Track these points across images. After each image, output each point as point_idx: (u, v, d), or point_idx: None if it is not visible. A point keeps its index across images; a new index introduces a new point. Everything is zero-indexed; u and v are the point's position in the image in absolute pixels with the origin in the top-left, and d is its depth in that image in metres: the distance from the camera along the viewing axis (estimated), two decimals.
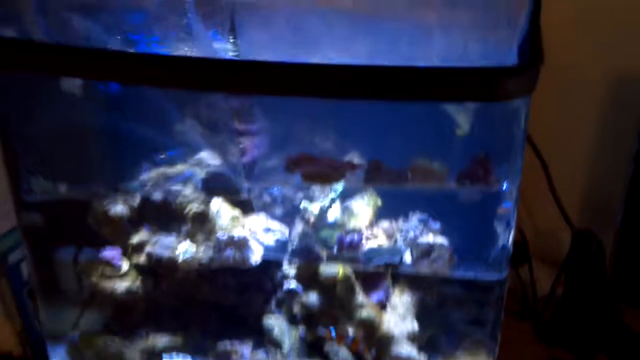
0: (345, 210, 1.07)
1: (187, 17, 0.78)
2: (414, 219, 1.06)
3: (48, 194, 1.02)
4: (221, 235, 1.03)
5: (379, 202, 1.07)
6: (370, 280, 1.06)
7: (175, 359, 1.09)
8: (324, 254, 1.03)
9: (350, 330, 1.04)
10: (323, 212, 1.05)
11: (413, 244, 1.02)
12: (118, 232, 1.07)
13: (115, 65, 0.79)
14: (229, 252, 1.03)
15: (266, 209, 1.07)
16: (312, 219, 1.05)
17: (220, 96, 0.90)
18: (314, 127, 0.91)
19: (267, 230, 1.05)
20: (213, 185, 1.03)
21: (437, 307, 1.07)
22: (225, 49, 0.79)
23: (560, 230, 1.26)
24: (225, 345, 1.09)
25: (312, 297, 1.06)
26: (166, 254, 1.05)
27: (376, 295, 1.06)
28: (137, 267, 1.07)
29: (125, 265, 1.07)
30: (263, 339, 1.08)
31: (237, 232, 1.02)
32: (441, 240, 1.01)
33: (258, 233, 1.04)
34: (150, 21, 0.81)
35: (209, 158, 1.03)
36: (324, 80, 0.73)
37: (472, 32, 0.73)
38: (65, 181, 1.03)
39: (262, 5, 0.76)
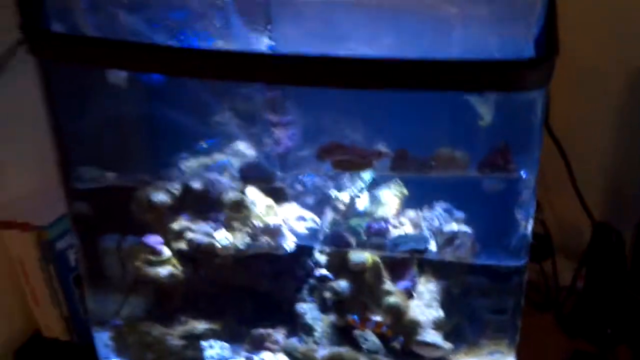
0: (374, 199, 1.10)
1: (225, 13, 0.84)
2: (438, 208, 1.09)
3: (96, 182, 1.07)
4: (256, 222, 1.07)
5: (405, 192, 1.11)
6: (397, 269, 1.09)
7: (213, 345, 1.13)
8: (353, 241, 1.07)
9: (373, 315, 1.07)
10: (352, 201, 1.09)
11: (437, 232, 1.05)
12: (160, 220, 1.11)
13: (159, 58, 0.85)
14: (264, 240, 1.07)
15: (299, 198, 1.11)
16: (342, 208, 1.09)
17: (256, 89, 0.95)
18: (343, 118, 0.95)
19: (300, 218, 1.09)
20: (249, 175, 1.07)
21: (461, 295, 1.10)
22: (261, 42, 0.85)
23: (581, 224, 1.27)
24: (259, 331, 1.13)
25: (342, 284, 1.09)
26: (205, 240, 1.09)
27: (403, 283, 1.09)
28: (177, 254, 1.12)
29: (167, 251, 1.12)
30: (295, 325, 1.12)
31: (272, 220, 1.07)
32: (464, 228, 1.04)
33: (291, 221, 1.09)
34: (191, 17, 0.86)
35: (245, 148, 1.08)
36: (353, 72, 0.78)
37: (491, 25, 0.77)
38: (112, 169, 1.08)
39: (296, 2, 0.81)
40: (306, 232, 1.09)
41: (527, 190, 0.94)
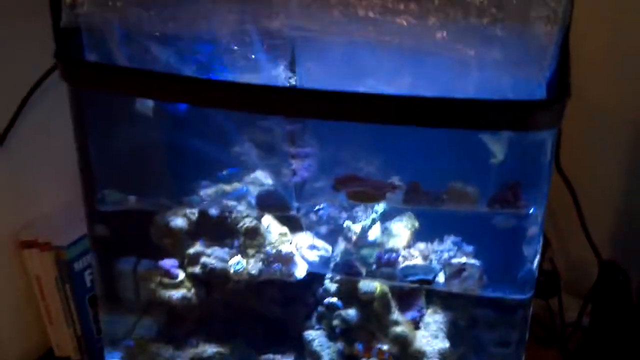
0: (385, 230, 1.13)
1: (252, 48, 0.88)
2: (448, 241, 1.12)
3: (117, 205, 1.10)
4: (270, 249, 1.10)
5: (417, 225, 1.13)
6: (405, 299, 1.11)
7: None
8: (363, 270, 1.09)
9: (378, 344, 1.09)
10: (364, 231, 1.11)
11: (446, 264, 1.07)
12: (177, 244, 1.14)
13: (186, 88, 0.88)
14: (276, 266, 1.10)
15: (312, 227, 1.13)
16: (354, 238, 1.11)
17: (276, 121, 0.98)
18: (359, 151, 0.98)
19: (312, 247, 1.12)
20: (265, 203, 1.10)
21: (467, 326, 1.12)
22: (284, 77, 0.89)
23: (589, 262, 1.29)
24: (268, 356, 1.15)
25: (351, 313, 1.11)
26: (219, 265, 1.12)
27: (411, 313, 1.11)
28: (191, 277, 1.14)
29: (181, 275, 1.14)
30: (303, 351, 1.14)
31: (285, 248, 1.10)
32: (472, 260, 1.06)
33: (303, 249, 1.11)
34: (219, 51, 0.90)
35: (263, 177, 1.10)
36: (372, 107, 0.81)
37: (505, 67, 0.81)
38: (134, 193, 1.11)
39: (319, 40, 0.84)
40: (318, 260, 1.11)
41: (535, 226, 0.96)
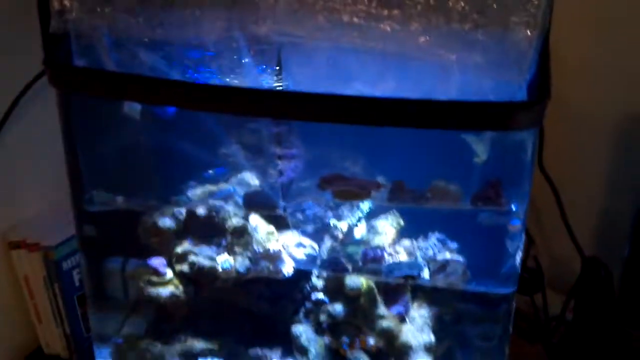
0: (371, 228, 1.15)
1: (238, 54, 0.89)
2: (433, 238, 1.14)
3: (105, 205, 1.11)
4: (257, 248, 1.12)
5: (402, 223, 1.16)
6: (391, 294, 1.13)
7: None
8: (349, 267, 1.11)
9: (362, 337, 1.11)
10: (350, 229, 1.13)
11: (430, 260, 1.10)
12: (165, 243, 1.15)
13: (174, 92, 0.89)
14: (264, 264, 1.12)
15: (299, 226, 1.15)
16: (340, 236, 1.13)
17: (263, 123, 0.99)
18: (344, 152, 1.00)
19: (299, 245, 1.13)
20: (252, 203, 1.11)
21: (451, 320, 1.14)
22: (270, 81, 0.90)
23: (572, 259, 1.31)
24: (256, 351, 1.17)
25: (338, 308, 1.13)
26: (207, 263, 1.13)
27: (396, 308, 1.13)
28: (179, 275, 1.15)
29: (169, 273, 1.15)
30: (291, 346, 1.15)
31: (272, 246, 1.11)
32: (456, 256, 1.09)
33: (290, 247, 1.13)
34: (206, 57, 0.91)
35: (250, 178, 1.12)
36: (357, 109, 0.83)
37: (486, 70, 0.83)
38: (122, 194, 1.12)
39: (305, 45, 0.86)
40: (304, 258, 1.12)
41: (517, 222, 0.98)
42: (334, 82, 0.84)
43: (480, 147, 0.91)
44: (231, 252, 1.13)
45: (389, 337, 1.11)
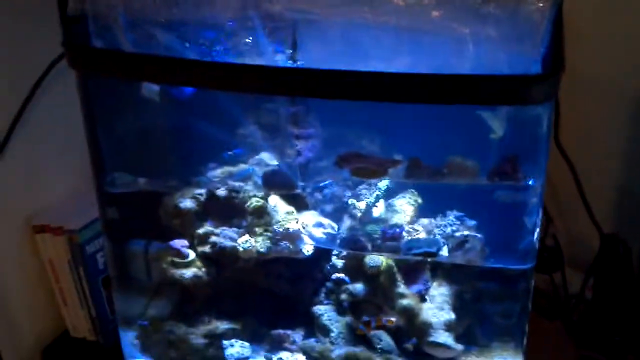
0: (389, 207, 1.16)
1: (254, 32, 0.90)
2: (451, 216, 1.14)
3: (128, 187, 1.13)
4: (277, 228, 1.13)
5: (420, 201, 1.16)
6: (411, 273, 1.14)
7: (234, 344, 1.18)
8: (369, 245, 1.11)
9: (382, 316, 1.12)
10: (369, 208, 1.14)
11: (449, 237, 1.10)
12: (186, 224, 1.17)
13: (191, 72, 0.90)
14: (284, 244, 1.13)
15: (318, 205, 1.16)
16: (359, 215, 1.14)
17: (280, 103, 1.00)
18: (361, 129, 1.00)
19: (318, 225, 1.14)
20: (271, 183, 1.13)
21: (471, 298, 1.14)
22: (285, 59, 0.91)
23: (591, 236, 1.31)
24: (278, 331, 1.18)
25: (358, 287, 1.14)
26: (228, 244, 1.15)
27: (416, 287, 1.13)
28: (201, 256, 1.17)
29: (191, 254, 1.17)
30: (313, 326, 1.17)
31: (292, 226, 1.12)
32: (474, 233, 1.09)
33: (310, 227, 1.14)
34: (222, 35, 0.92)
35: (268, 158, 1.13)
36: (373, 86, 0.84)
37: (500, 44, 0.83)
38: (144, 175, 1.14)
39: (319, 22, 0.87)
40: (324, 237, 1.13)
41: (535, 197, 0.98)
42: (348, 59, 0.84)
43: (495, 123, 0.92)
44: (251, 232, 1.14)
45: (409, 315, 1.11)
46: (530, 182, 0.97)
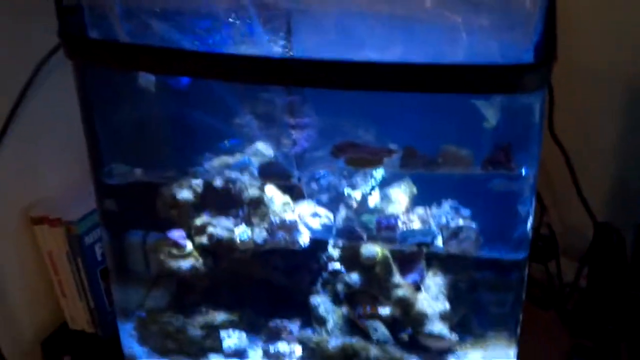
0: (384, 197, 1.16)
1: (248, 21, 0.91)
2: (446, 205, 1.15)
3: (125, 177, 1.13)
4: (274, 218, 1.14)
5: (415, 191, 1.17)
6: (406, 263, 1.14)
7: (231, 335, 1.19)
8: (364, 235, 1.12)
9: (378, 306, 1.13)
10: (364, 198, 1.14)
11: (444, 227, 1.11)
12: (183, 215, 1.17)
13: (187, 61, 0.91)
14: (281, 235, 1.13)
15: (314, 195, 1.16)
16: (354, 205, 1.14)
17: (276, 93, 1.01)
18: (356, 119, 1.01)
19: (315, 215, 1.15)
20: (267, 173, 1.13)
21: (466, 288, 1.15)
22: (280, 48, 0.92)
23: (584, 225, 1.32)
24: (275, 322, 1.19)
25: (354, 277, 1.15)
26: (225, 235, 1.16)
27: (411, 277, 1.14)
28: (199, 247, 1.17)
29: (189, 245, 1.17)
30: (309, 316, 1.18)
31: (288, 216, 1.13)
32: (469, 223, 1.10)
33: (306, 217, 1.14)
34: (217, 25, 0.93)
35: (264, 148, 1.14)
36: (367, 75, 0.85)
37: (493, 33, 0.84)
38: (141, 166, 1.14)
39: (313, 11, 0.87)
40: (320, 227, 1.14)
41: (528, 186, 0.99)
42: (343, 48, 0.85)
43: (489, 112, 0.92)
44: (248, 223, 1.15)
45: (405, 305, 1.12)
46: (523, 171, 0.98)
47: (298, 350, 1.16)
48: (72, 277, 1.31)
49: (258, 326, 1.21)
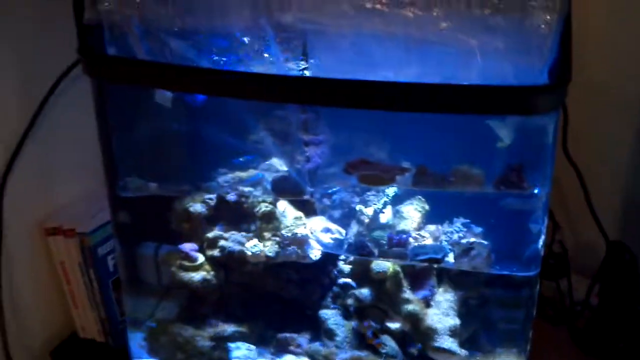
0: (396, 213, 1.17)
1: (266, 41, 0.92)
2: (458, 223, 1.15)
3: (139, 191, 1.14)
4: (285, 233, 1.14)
5: (427, 208, 1.17)
6: (417, 279, 1.15)
7: (240, 347, 1.19)
8: (375, 251, 1.12)
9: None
10: (376, 214, 1.15)
11: (455, 244, 1.11)
12: (196, 228, 1.19)
13: (204, 79, 0.92)
14: (292, 249, 1.14)
15: (326, 211, 1.17)
16: (366, 221, 1.15)
17: (291, 110, 1.02)
18: (369, 137, 1.01)
19: (326, 230, 1.15)
20: (280, 188, 1.14)
21: (476, 304, 1.15)
22: (296, 68, 0.93)
23: (597, 243, 1.33)
24: (284, 335, 1.19)
25: (364, 292, 1.16)
26: (237, 248, 1.17)
27: (422, 292, 1.15)
28: (210, 260, 1.19)
29: (200, 258, 1.19)
30: (319, 330, 1.18)
31: (300, 231, 1.14)
32: (481, 240, 1.10)
33: (318, 232, 1.15)
34: (234, 45, 0.94)
35: (278, 164, 1.14)
36: (382, 95, 0.85)
37: (507, 55, 0.84)
38: (155, 180, 1.15)
39: (329, 32, 0.88)
40: (332, 242, 1.14)
41: (540, 205, 1.00)
42: (358, 69, 0.86)
43: (503, 132, 0.93)
44: (260, 237, 1.16)
45: (414, 320, 1.12)
46: (535, 191, 0.98)
47: None
48: (84, 287, 1.32)
49: (267, 339, 1.21)
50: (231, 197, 1.17)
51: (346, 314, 1.17)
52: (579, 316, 1.34)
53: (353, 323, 1.16)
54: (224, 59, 0.93)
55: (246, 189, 1.15)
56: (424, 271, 1.14)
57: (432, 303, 1.14)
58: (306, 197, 1.12)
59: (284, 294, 1.21)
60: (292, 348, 1.19)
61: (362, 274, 1.15)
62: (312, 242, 1.14)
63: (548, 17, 0.81)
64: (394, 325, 1.14)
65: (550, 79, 0.85)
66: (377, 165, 1.00)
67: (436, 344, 1.10)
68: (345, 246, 1.14)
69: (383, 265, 1.12)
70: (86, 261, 1.29)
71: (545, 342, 1.24)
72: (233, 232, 1.18)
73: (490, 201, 1.03)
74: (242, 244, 1.16)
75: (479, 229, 1.12)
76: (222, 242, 1.17)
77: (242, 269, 1.17)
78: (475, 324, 1.15)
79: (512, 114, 0.88)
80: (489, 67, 0.84)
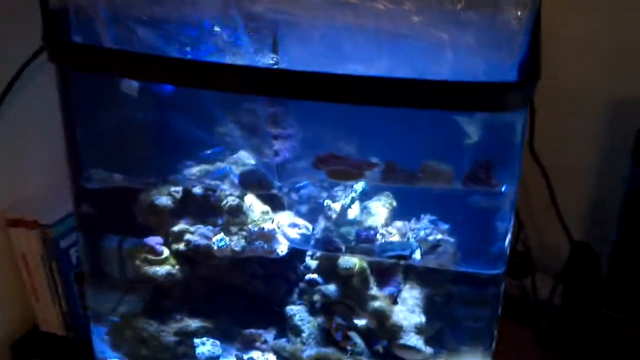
0: (364, 209, 1.16)
1: (235, 32, 0.91)
2: (425, 220, 1.15)
3: (103, 183, 1.12)
4: (252, 227, 1.13)
5: (395, 204, 1.17)
6: (383, 275, 1.14)
7: (205, 343, 1.18)
8: (342, 246, 1.12)
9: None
10: (344, 210, 1.14)
11: (422, 241, 1.11)
12: (161, 221, 1.17)
13: (171, 69, 0.91)
14: (259, 244, 1.13)
15: (294, 206, 1.16)
16: (333, 217, 1.14)
17: (259, 103, 1.01)
18: (338, 132, 1.01)
19: (293, 225, 1.15)
20: (248, 182, 1.13)
21: (442, 302, 1.15)
22: (266, 59, 0.92)
23: (561, 243, 1.34)
24: (250, 331, 1.19)
25: (331, 288, 1.15)
26: (203, 242, 1.15)
27: (388, 289, 1.14)
28: (176, 254, 1.17)
29: (165, 252, 1.17)
30: (285, 326, 1.17)
31: (267, 226, 1.13)
32: (447, 237, 1.10)
33: (285, 227, 1.14)
34: (203, 34, 0.93)
35: (246, 157, 1.13)
36: (351, 89, 0.85)
37: (478, 51, 0.84)
38: (119, 172, 1.13)
39: (300, 23, 0.87)
40: (299, 237, 1.14)
41: (507, 203, 1.00)
42: (328, 61, 0.85)
43: (471, 128, 0.93)
44: (227, 231, 1.15)
45: (381, 317, 1.12)
46: (503, 189, 0.98)
47: (272, 359, 1.16)
48: (46, 280, 1.30)
49: (232, 334, 1.21)
50: (198, 190, 1.15)
51: (312, 310, 1.17)
52: (542, 315, 1.35)
53: (319, 319, 1.16)
54: (193, 48, 0.92)
55: (213, 182, 1.14)
56: (391, 268, 1.14)
57: (398, 300, 1.14)
58: (274, 191, 1.11)
59: (250, 289, 1.20)
60: (257, 344, 1.18)
61: (329, 270, 1.14)
62: (279, 237, 1.13)
63: (519, 13, 0.81)
64: (360, 322, 1.14)
65: (519, 76, 0.85)
66: (346, 160, 1.00)
67: (402, 341, 1.10)
68: (313, 241, 1.14)
69: (350, 261, 1.12)
70: (48, 254, 1.27)
71: (509, 341, 1.25)
72: (199, 225, 1.17)
73: (457, 198, 1.04)
74: (209, 238, 1.15)
75: (445, 226, 1.13)
76: (187, 236, 1.16)
77: (208, 264, 1.16)
78: (441, 322, 1.15)
79: (480, 111, 0.88)
80: (460, 62, 0.85)
